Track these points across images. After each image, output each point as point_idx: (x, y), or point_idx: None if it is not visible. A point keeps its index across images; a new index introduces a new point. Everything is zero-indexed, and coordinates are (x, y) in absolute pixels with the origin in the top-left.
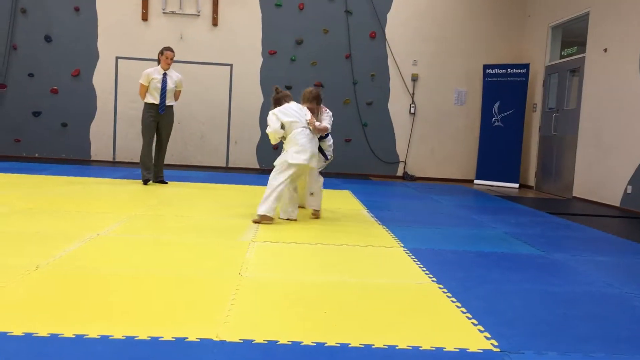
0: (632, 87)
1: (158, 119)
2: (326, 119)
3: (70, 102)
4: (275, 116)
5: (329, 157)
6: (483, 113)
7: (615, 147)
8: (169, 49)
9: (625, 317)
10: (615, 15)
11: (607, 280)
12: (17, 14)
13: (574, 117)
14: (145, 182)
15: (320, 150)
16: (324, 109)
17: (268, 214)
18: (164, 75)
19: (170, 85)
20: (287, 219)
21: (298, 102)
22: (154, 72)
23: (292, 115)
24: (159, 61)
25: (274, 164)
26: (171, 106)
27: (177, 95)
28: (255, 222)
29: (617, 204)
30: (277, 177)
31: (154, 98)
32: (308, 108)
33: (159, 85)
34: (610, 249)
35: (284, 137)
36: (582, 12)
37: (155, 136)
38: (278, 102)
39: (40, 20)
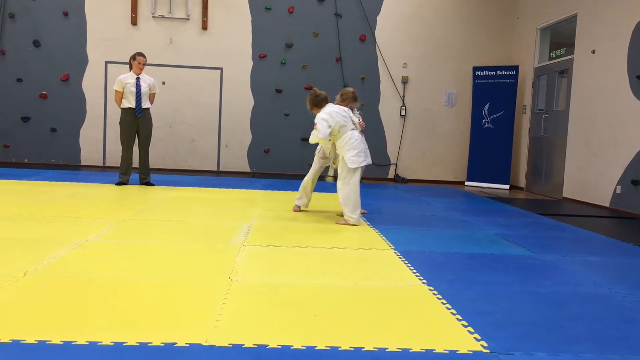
0: (620, 88)
1: (136, 123)
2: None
3: (60, 107)
4: (327, 122)
5: None
6: (473, 115)
7: (604, 148)
8: (141, 54)
9: (615, 317)
10: (603, 16)
11: (597, 280)
12: (5, 19)
13: (563, 118)
14: (119, 184)
15: None
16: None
17: (355, 216)
18: (137, 79)
19: (144, 88)
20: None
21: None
22: (127, 77)
23: (339, 120)
24: (130, 66)
25: (331, 174)
26: (147, 109)
27: (151, 98)
28: (340, 223)
29: (607, 205)
30: (349, 184)
31: (129, 102)
32: (350, 107)
33: (133, 89)
34: (600, 249)
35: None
36: (570, 14)
37: (136, 140)
38: (318, 104)
39: (28, 25)
